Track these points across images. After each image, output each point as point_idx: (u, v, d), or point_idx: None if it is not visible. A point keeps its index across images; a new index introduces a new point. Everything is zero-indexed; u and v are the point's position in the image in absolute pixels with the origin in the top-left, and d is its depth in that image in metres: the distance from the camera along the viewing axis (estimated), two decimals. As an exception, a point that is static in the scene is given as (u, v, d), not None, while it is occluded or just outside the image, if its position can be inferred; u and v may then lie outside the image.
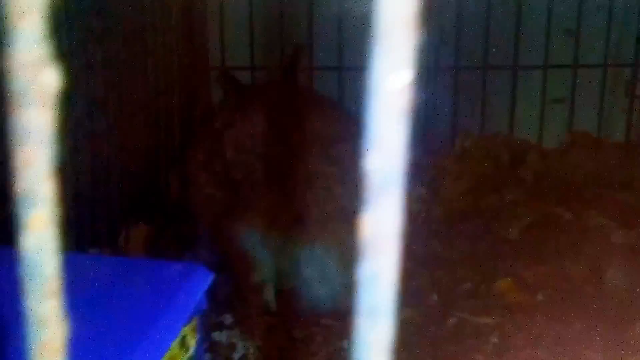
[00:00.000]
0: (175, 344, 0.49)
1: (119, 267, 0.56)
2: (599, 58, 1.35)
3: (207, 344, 0.84)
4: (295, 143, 0.97)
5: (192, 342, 0.52)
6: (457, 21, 1.32)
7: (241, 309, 0.94)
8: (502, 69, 1.36)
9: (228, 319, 0.91)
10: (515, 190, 1.25)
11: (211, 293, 0.95)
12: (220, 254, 1.03)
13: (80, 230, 0.94)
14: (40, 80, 0.13)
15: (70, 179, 0.92)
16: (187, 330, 0.51)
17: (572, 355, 0.92)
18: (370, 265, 0.16)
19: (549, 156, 1.35)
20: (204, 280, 0.55)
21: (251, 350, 0.84)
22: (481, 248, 1.12)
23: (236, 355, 0.85)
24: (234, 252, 0.99)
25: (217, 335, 0.87)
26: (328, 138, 0.98)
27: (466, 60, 1.36)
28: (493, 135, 1.38)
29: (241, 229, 0.97)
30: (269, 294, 0.98)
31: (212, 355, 0.84)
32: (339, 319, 0.91)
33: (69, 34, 0.90)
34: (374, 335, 0.17)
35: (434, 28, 1.33)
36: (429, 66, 1.37)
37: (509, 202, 1.23)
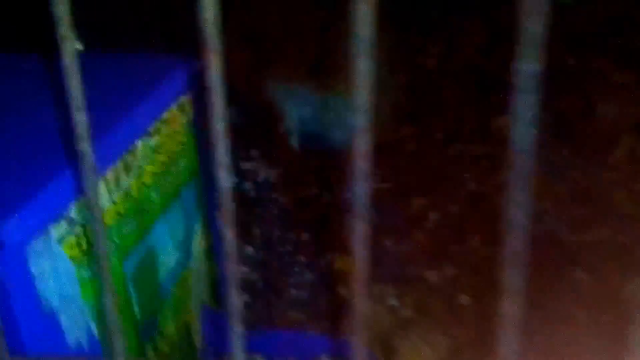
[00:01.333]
0: (174, 108, 0.64)
1: (110, 61, 0.70)
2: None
3: (235, 171, 1.00)
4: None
5: (189, 110, 0.67)
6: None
7: (268, 147, 1.09)
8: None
9: (255, 153, 1.06)
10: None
11: (244, 140, 1.10)
12: (252, 108, 1.17)
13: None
14: None
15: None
16: (184, 100, 0.66)
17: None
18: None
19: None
20: (190, 65, 0.69)
21: (272, 175, 1.00)
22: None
23: (260, 179, 1.01)
24: (264, 104, 1.13)
25: (244, 164, 1.03)
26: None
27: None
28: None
29: (268, 83, 1.11)
30: (294, 139, 1.12)
31: (240, 178, 1.00)
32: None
33: None
34: None
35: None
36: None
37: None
